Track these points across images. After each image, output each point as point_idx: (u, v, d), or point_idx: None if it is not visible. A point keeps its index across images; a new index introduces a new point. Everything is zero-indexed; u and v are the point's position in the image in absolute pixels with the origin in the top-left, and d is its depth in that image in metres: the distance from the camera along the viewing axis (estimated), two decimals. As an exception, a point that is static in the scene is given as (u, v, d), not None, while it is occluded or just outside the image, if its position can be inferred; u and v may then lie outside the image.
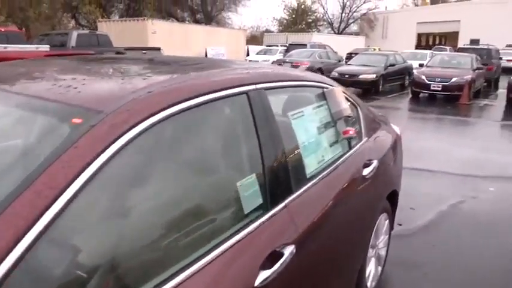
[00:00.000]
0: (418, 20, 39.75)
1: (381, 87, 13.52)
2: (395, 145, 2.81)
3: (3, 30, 11.23)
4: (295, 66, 15.28)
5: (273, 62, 16.48)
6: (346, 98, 2.28)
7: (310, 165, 1.73)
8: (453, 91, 11.53)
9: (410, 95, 12.98)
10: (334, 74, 13.76)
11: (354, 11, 42.25)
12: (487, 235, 3.53)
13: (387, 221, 2.65)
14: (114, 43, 14.02)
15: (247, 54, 25.22)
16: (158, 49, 13.66)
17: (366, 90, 13.42)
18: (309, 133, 1.82)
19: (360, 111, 2.40)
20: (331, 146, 1.96)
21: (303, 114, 1.80)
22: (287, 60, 15.74)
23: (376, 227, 2.41)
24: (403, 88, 14.74)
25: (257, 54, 23.63)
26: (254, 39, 38.81)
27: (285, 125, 1.67)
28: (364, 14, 41.66)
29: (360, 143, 2.26)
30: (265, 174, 1.43)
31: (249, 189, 1.35)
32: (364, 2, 41.45)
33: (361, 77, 13.17)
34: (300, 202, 1.56)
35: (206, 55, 19.32)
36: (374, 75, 13.15)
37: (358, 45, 31.55)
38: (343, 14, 42.52)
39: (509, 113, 10.52)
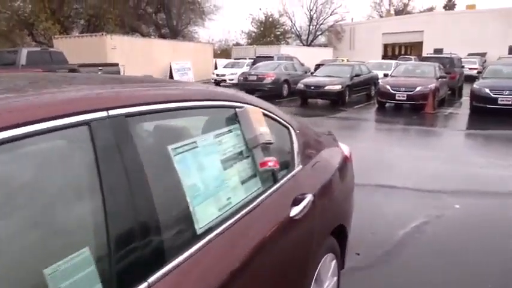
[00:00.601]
0: (384, 31, 40.61)
1: (347, 98, 13.35)
2: (343, 170, 2.41)
3: None
4: (260, 78, 15.01)
5: (239, 76, 16.14)
6: (272, 118, 1.86)
7: (205, 216, 1.27)
8: (418, 100, 11.45)
9: (376, 105, 12.86)
10: (300, 85, 13.53)
11: (321, 23, 42.83)
12: (454, 262, 3.16)
13: (334, 262, 2.22)
14: (72, 60, 13.34)
15: (215, 68, 24.88)
16: (116, 65, 13.08)
17: (333, 101, 13.23)
18: (206, 171, 1.36)
19: (292, 134, 1.98)
20: (243, 183, 1.52)
21: (195, 146, 1.35)
22: (252, 73, 15.42)
23: (318, 272, 1.97)
24: (370, 98, 14.65)
25: (224, 67, 23.30)
26: (224, 52, 38.63)
27: (163, 164, 1.22)
28: (332, 26, 42.25)
29: (291, 174, 1.83)
30: (112, 247, 0.95)
31: (76, 274, 0.87)
32: (330, 14, 42.14)
33: (326, 88, 12.97)
34: (181, 274, 1.09)
35: (171, 70, 18.83)
36: (339, 86, 12.97)
37: (327, 56, 31.78)
38: (311, 26, 43.01)
39: (473, 122, 10.48)
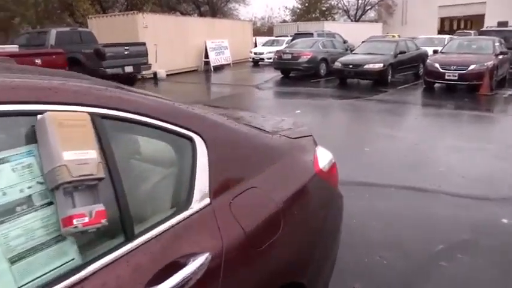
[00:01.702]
0: (440, 4, 37.19)
1: (389, 77, 12.04)
2: (306, 198, 1.61)
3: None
4: (295, 57, 14.00)
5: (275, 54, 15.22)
6: (150, 125, 1.10)
7: None
8: (471, 80, 9.98)
9: (423, 86, 11.47)
10: (337, 64, 12.41)
11: (371, -3, 40.07)
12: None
13: None
14: (104, 40, 13.11)
15: (255, 46, 23.97)
16: (143, 44, 12.65)
17: (374, 81, 11.99)
18: None
19: (197, 148, 1.22)
20: (38, 252, 0.80)
21: None
22: (287, 51, 14.41)
23: None
24: (417, 78, 13.18)
25: (263, 45, 22.36)
26: (270, 30, 37.32)
27: None
28: (382, 0, 39.42)
29: (173, 220, 1.08)
30: None
31: None
32: (382, -13, 39.22)
33: (366, 66, 11.75)
34: None
35: (206, 49, 18.21)
36: (381, 65, 11.70)
37: (375, 32, 29.61)
38: (360, 1, 40.39)
39: (539, 105, 8.93)
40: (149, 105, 1.15)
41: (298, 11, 41.55)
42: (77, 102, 0.94)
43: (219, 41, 19.27)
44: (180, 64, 16.93)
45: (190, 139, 1.21)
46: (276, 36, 25.60)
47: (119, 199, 0.96)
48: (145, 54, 12.54)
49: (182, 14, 26.00)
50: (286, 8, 55.11)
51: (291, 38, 20.26)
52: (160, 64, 15.10)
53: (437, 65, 10.58)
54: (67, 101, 0.93)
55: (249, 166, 1.40)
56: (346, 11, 41.58)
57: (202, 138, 1.24)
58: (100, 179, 0.87)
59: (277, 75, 15.00)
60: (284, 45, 18.65)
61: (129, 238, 0.96)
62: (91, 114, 0.95)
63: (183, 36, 17.30)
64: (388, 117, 8.02)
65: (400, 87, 11.67)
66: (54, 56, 9.34)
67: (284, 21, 40.72)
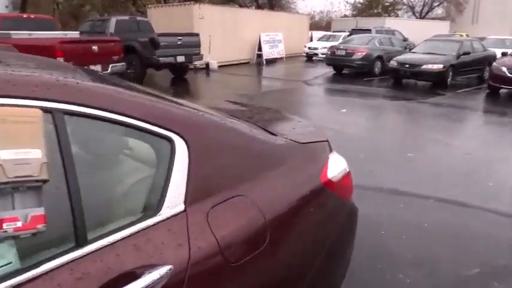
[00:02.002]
0: (518, 2, 34.19)
1: (449, 80, 11.28)
2: (303, 210, 1.49)
3: (33, 16, 11.21)
4: (349, 53, 13.54)
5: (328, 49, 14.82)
6: (121, 123, 1.05)
7: None
8: (544, 87, 9.07)
9: (487, 91, 10.61)
10: (393, 63, 11.83)
11: (440, -7, 37.74)
12: None
13: None
14: (162, 29, 13.51)
15: (311, 40, 23.57)
16: (197, 35, 12.84)
17: (432, 83, 11.29)
18: None
19: (177, 149, 1.15)
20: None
21: None
22: (341, 47, 13.97)
23: None
24: (481, 82, 12.23)
25: (319, 40, 21.91)
26: (328, 25, 36.43)
27: None
28: (452, -4, 37.00)
29: (138, 226, 1.02)
30: None
31: None
32: (452, -18, 36.79)
33: (424, 67, 11.08)
34: None
35: (260, 41, 18.18)
36: (441, 66, 10.97)
37: (441, 31, 27.87)
38: (427, -4, 38.20)
39: None
40: (125, 101, 1.09)
41: (359, 5, 40.19)
42: (36, 97, 0.91)
43: (273, 34, 19.14)
44: (233, 56, 17.05)
45: (170, 140, 1.15)
46: (333, 31, 24.96)
47: (73, 202, 0.91)
48: (197, 45, 12.73)
49: (240, 6, 26.16)
50: (347, 2, 53.53)
51: (348, 33, 19.65)
52: (213, 55, 15.31)
53: (504, 69, 9.73)
54: (26, 95, 0.90)
55: (239, 171, 1.31)
56: (411, 7, 39.55)
57: (184, 139, 1.17)
58: (44, 181, 0.83)
59: (329, 71, 14.64)
60: (340, 41, 18.13)
61: (80, 244, 0.92)
62: (51, 110, 0.91)
63: (237, 28, 17.39)
64: (441, 122, 7.50)
65: (460, 91, 10.88)
66: (111, 44, 9.73)
67: (345, 16, 39.58)
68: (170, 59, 11.66)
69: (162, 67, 12.31)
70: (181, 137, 1.17)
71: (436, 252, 2.91)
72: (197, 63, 14.07)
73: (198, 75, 14.07)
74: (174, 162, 1.14)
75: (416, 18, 37.11)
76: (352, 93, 10.39)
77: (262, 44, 18.25)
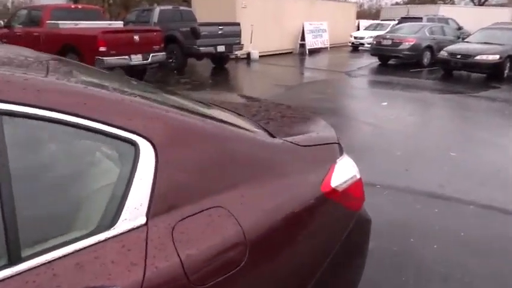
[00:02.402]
0: None
1: (506, 72, 10.40)
2: (297, 223, 1.32)
3: (80, 7, 11.57)
4: (396, 43, 12.87)
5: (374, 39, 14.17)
6: (73, 125, 0.95)
7: None
8: None
9: (550, 85, 9.67)
10: (443, 53, 11.10)
11: (503, -23, 34.92)
12: None
13: None
14: (205, 18, 13.54)
15: (357, 30, 22.74)
16: (237, 24, 12.72)
17: (487, 75, 10.46)
18: None
19: (141, 154, 1.03)
20: None
21: None
22: (387, 37, 13.29)
23: None
24: (544, 74, 11.17)
25: (365, 29, 21.08)
26: (378, 14, 34.85)
27: None
28: (516, -20, 34.12)
29: (86, 242, 0.91)
30: None
31: None
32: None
33: (478, 57, 10.28)
34: None
35: (303, 31, 17.75)
36: (497, 56, 10.14)
37: (502, 18, 25.80)
38: (487, -19, 35.50)
39: None
40: (80, 100, 0.98)
41: (412, -8, 38.15)
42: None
43: (317, 23, 18.63)
44: (275, 46, 16.80)
45: (133, 143, 1.02)
46: (381, 20, 23.91)
47: (4, 214, 0.81)
48: (238, 35, 12.63)
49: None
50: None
51: (397, 22, 18.71)
52: (254, 45, 15.16)
53: None
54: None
55: (218, 178, 1.16)
56: (469, -7, 37.00)
57: (151, 142, 1.04)
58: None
59: (374, 62, 14.02)
60: (389, 29, 17.30)
61: (13, 262, 0.82)
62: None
63: (280, 17, 17.09)
64: (493, 119, 6.89)
65: (518, 84, 10.01)
66: (151, 33, 9.85)
67: (396, 3, 37.75)
68: (210, 49, 11.65)
69: (202, 57, 12.35)
70: (148, 139, 1.04)
71: (472, 268, 2.62)
72: (238, 53, 13.98)
73: (238, 65, 14.00)
74: (137, 169, 1.01)
75: (475, 5, 34.67)
76: (397, 86, 9.85)
77: (305, 33, 17.82)
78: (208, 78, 11.43)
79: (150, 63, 9.81)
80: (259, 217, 1.19)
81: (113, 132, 1.00)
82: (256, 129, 1.49)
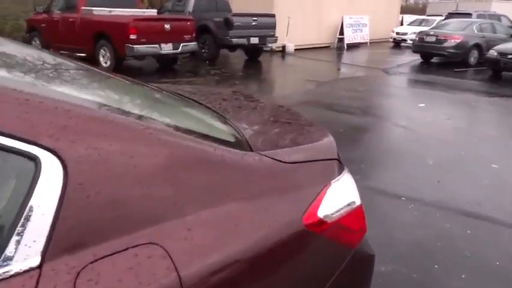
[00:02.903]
0: None
1: None
2: (262, 267, 1.04)
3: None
4: (440, 40, 12.07)
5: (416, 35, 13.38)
6: None
7: None
8: None
9: None
10: (492, 52, 10.27)
11: None
12: None
13: None
14: (241, 8, 13.30)
15: (401, 25, 21.73)
16: (272, 16, 12.34)
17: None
18: None
19: (40, 171, 0.78)
20: None
21: None
22: (431, 33, 12.49)
23: None
24: None
25: (409, 25, 20.08)
26: (425, 9, 33.21)
27: None
28: None
29: None
30: None
31: None
32: None
33: (532, 59, 9.39)
34: None
35: (342, 25, 17.09)
36: (554, 58, 9.20)
37: None
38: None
39: None
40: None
41: (462, -13, 36.00)
42: None
43: (358, 17, 17.91)
44: (312, 39, 16.29)
45: (33, 158, 0.77)
46: (427, 15, 22.72)
47: None
48: (273, 27, 12.28)
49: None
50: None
51: (443, 18, 17.64)
52: (290, 38, 14.74)
53: None
54: None
55: (155, 205, 0.89)
56: (527, -11, 34.40)
57: (59, 157, 0.79)
58: None
59: (415, 59, 13.26)
60: (434, 25, 16.33)
61: None
62: None
63: (319, 10, 16.54)
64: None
65: None
66: (183, 23, 9.72)
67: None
68: (243, 40, 11.39)
69: (235, 48, 12.11)
70: (55, 153, 0.79)
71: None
72: (273, 45, 13.65)
73: (272, 58, 13.67)
74: (34, 192, 0.76)
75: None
76: (438, 86, 9.19)
77: (344, 27, 17.17)
78: (239, 71, 11.19)
79: (180, 53, 9.70)
80: (209, 259, 0.91)
81: (4, 143, 0.75)
82: (230, 139, 1.21)
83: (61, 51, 10.07)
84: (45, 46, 10.40)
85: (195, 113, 1.47)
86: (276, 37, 12.56)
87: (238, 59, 12.63)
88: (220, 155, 1.03)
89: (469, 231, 2.98)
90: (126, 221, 0.85)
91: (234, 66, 11.89)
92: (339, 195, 1.23)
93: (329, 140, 1.42)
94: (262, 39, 11.87)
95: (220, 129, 1.32)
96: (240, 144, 1.20)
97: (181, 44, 9.46)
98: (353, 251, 1.25)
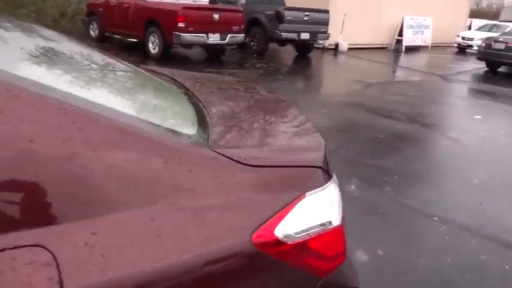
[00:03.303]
0: None
1: None
2: None
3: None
4: (510, 47, 11.04)
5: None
6: None
7: None
8: None
9: None
10: None
11: None
12: None
13: None
14: (296, 3, 13.01)
15: (469, 29, 20.29)
16: (326, 12, 11.90)
17: None
18: None
19: None
20: None
21: None
22: (500, 39, 11.44)
23: None
24: None
25: (478, 30, 18.66)
26: (498, 14, 30.79)
27: None
28: None
29: None
30: None
31: None
32: None
33: None
34: None
35: (402, 26, 16.20)
36: None
37: None
38: None
39: None
40: None
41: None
42: None
43: (420, 18, 16.92)
44: (368, 39, 15.62)
45: None
46: (499, 21, 21.00)
47: None
48: (326, 23, 11.86)
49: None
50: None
51: (518, 24, 16.18)
52: (344, 36, 14.22)
53: None
54: None
55: (49, 199, 0.72)
56: None
57: None
58: None
59: (480, 67, 12.24)
60: (507, 31, 15.01)
61: None
62: None
63: (378, 8, 15.80)
64: None
65: None
66: (232, 13, 9.63)
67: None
68: (293, 35, 11.10)
69: (285, 43, 11.85)
70: None
71: None
72: (325, 42, 13.23)
73: (324, 55, 13.25)
74: None
75: None
76: (500, 97, 8.37)
77: (404, 28, 16.29)
78: (286, 66, 10.93)
79: (227, 44, 9.62)
80: (109, 274, 0.73)
81: None
82: (182, 130, 1.02)
83: (115, 36, 10.40)
84: (102, 30, 10.80)
85: (163, 97, 1.29)
86: (328, 34, 12.13)
87: (287, 54, 12.36)
88: (152, 144, 0.84)
89: (507, 267, 2.57)
90: (8, 215, 0.69)
91: (281, 61, 11.65)
92: (312, 212, 1.00)
93: (316, 144, 1.18)
94: (313, 35, 11.51)
95: (178, 118, 1.13)
96: (195, 137, 1.01)
97: (229, 35, 9.38)
98: (322, 281, 1.01)
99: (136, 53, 9.49)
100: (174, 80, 1.59)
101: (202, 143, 0.99)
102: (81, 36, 11.31)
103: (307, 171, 1.06)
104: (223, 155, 0.95)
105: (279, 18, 10.84)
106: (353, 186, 3.49)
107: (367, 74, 10.21)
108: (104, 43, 10.68)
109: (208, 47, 9.84)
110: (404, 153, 4.46)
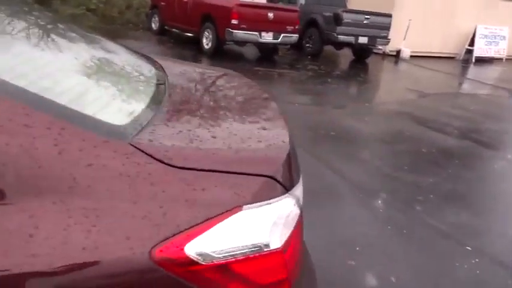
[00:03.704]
0: None
1: None
2: None
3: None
4: None
5: None
6: None
7: None
8: None
9: None
10: None
11: None
12: None
13: None
14: (359, 5, 12.57)
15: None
16: (389, 16, 11.30)
17: None
18: None
19: None
20: None
21: None
22: None
23: None
24: None
25: None
26: None
27: None
28: None
29: None
30: None
31: None
32: None
33: None
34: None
35: (474, 35, 15.01)
36: None
37: None
38: None
39: None
40: None
41: None
42: None
43: (495, 28, 15.58)
44: (434, 47, 14.67)
45: None
46: None
47: None
48: (387, 28, 11.30)
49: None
50: None
51: None
52: (408, 42, 13.46)
53: None
54: None
55: None
56: None
57: None
58: None
59: (560, 84, 11.00)
60: None
61: None
62: None
63: (447, 15, 14.76)
64: None
65: None
66: (287, 13, 9.47)
67: None
68: (350, 38, 10.69)
69: (341, 46, 11.47)
70: None
71: None
72: (387, 48, 12.64)
73: (383, 61, 12.65)
74: None
75: None
76: None
77: (476, 37, 15.07)
78: (338, 69, 10.57)
79: (280, 43, 9.48)
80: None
81: None
82: (111, 120, 0.91)
83: (173, 29, 10.68)
84: (162, 24, 11.14)
85: (112, 82, 1.18)
86: (389, 39, 11.56)
87: (343, 58, 11.96)
88: (47, 130, 0.74)
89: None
90: None
91: (335, 64, 11.29)
92: (246, 229, 0.85)
93: (276, 150, 1.02)
94: (372, 39, 11.01)
95: (112, 106, 1.02)
96: (120, 128, 0.89)
97: (282, 35, 9.24)
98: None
99: (191, 48, 9.66)
100: (162, 68, 1.49)
101: (126, 135, 0.87)
102: (144, 29, 11.78)
103: (251, 180, 0.91)
104: (143, 151, 0.83)
105: (337, 20, 10.50)
106: (380, 202, 3.21)
107: (425, 83, 9.55)
108: (162, 36, 11.01)
109: (260, 46, 9.78)
110: (448, 171, 4.04)
